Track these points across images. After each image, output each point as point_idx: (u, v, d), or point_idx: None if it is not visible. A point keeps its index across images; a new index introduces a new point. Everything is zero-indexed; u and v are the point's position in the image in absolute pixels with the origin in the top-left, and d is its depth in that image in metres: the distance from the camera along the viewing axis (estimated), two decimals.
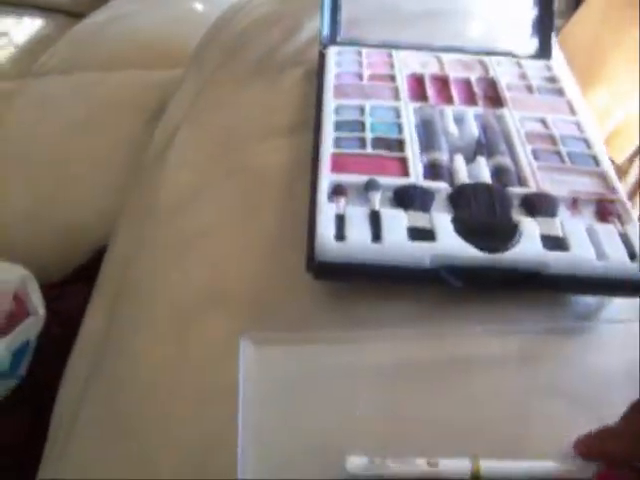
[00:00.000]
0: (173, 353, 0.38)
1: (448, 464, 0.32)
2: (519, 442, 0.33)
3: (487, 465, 0.32)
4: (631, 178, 0.64)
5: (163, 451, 0.34)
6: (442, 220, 0.37)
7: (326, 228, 0.35)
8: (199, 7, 0.98)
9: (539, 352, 0.36)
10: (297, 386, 0.34)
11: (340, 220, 0.36)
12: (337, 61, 0.49)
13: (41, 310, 0.60)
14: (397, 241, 0.35)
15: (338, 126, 0.42)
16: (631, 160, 0.68)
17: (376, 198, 0.37)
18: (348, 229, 0.36)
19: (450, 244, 0.36)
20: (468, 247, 0.35)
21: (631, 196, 0.62)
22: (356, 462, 0.32)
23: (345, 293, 0.36)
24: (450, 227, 0.36)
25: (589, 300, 0.38)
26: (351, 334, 0.35)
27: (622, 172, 0.65)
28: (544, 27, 0.53)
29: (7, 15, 1.18)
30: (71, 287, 0.67)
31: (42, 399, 0.61)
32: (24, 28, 1.18)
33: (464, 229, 0.36)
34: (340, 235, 0.35)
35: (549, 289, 0.37)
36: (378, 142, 0.41)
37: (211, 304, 0.38)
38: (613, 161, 0.44)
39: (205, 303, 0.38)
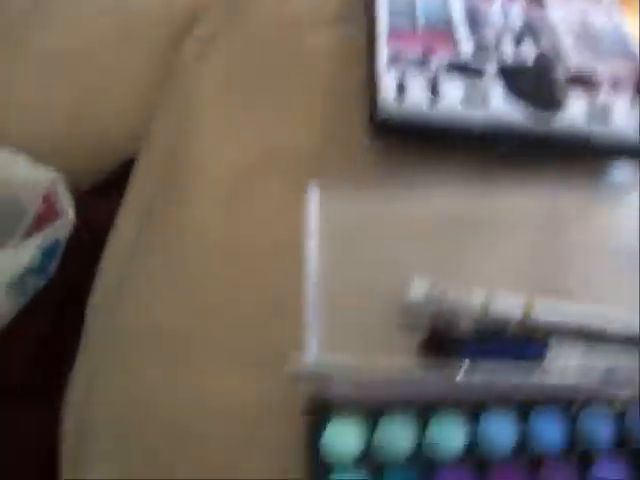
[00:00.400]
0: (225, 222, 0.40)
1: (504, 297, 0.34)
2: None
3: (541, 305, 0.34)
4: None
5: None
6: (494, 90, 0.39)
7: (386, 90, 0.37)
8: None
9: (577, 216, 0.39)
10: (359, 233, 0.36)
11: (399, 84, 0.38)
12: None
13: (70, 212, 0.61)
14: (453, 103, 0.38)
15: (391, 12, 0.44)
16: None
17: (431, 69, 0.39)
18: (407, 92, 0.38)
19: (501, 110, 0.38)
20: (518, 114, 0.38)
21: None
22: (419, 287, 0.34)
23: (401, 155, 0.38)
24: (501, 96, 0.39)
25: (627, 173, 0.40)
26: (406, 189, 0.37)
27: None
28: None
29: None
30: (101, 197, 0.67)
31: (70, 301, 0.62)
32: None
33: (513, 98, 0.39)
34: (400, 97, 0.37)
35: (593, 156, 0.39)
36: (429, 25, 0.43)
37: (267, 167, 0.40)
38: None
39: (261, 166, 0.40)
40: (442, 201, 0.37)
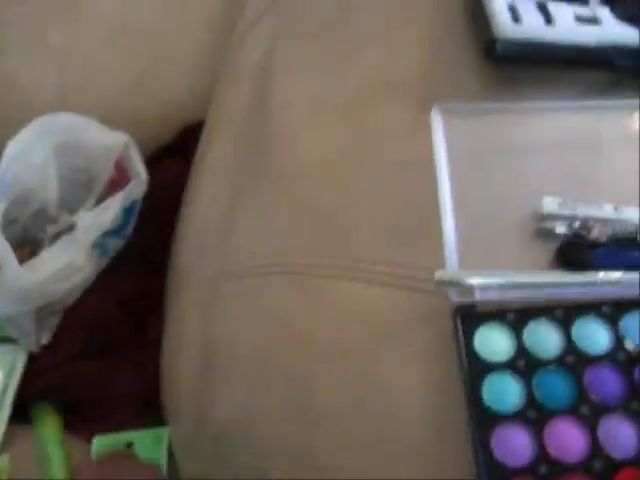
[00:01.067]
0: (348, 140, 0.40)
1: (631, 209, 0.35)
2: None
3: None
4: None
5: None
6: (603, 11, 0.40)
7: (501, 13, 0.38)
8: None
9: None
10: (486, 151, 0.37)
11: (512, 8, 0.39)
12: None
13: (143, 173, 0.61)
14: (567, 24, 0.39)
15: None
16: None
17: None
18: (521, 15, 0.39)
19: (613, 28, 0.39)
20: (630, 30, 0.39)
21: None
22: (550, 201, 0.35)
23: (520, 78, 0.39)
24: (611, 16, 0.40)
25: None
26: (524, 105, 0.38)
27: None
28: None
29: None
30: (164, 161, 0.68)
31: (146, 261, 0.63)
32: None
33: (623, 19, 0.40)
34: (515, 18, 0.38)
35: None
36: None
37: (384, 94, 0.41)
38: None
39: (379, 94, 0.41)
40: (561, 120, 0.38)
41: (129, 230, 0.61)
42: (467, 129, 0.37)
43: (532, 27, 0.38)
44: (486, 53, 0.38)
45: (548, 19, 0.38)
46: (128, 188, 0.59)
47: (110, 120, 0.62)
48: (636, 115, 0.39)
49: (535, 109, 0.38)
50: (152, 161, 0.66)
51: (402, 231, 0.36)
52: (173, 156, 0.69)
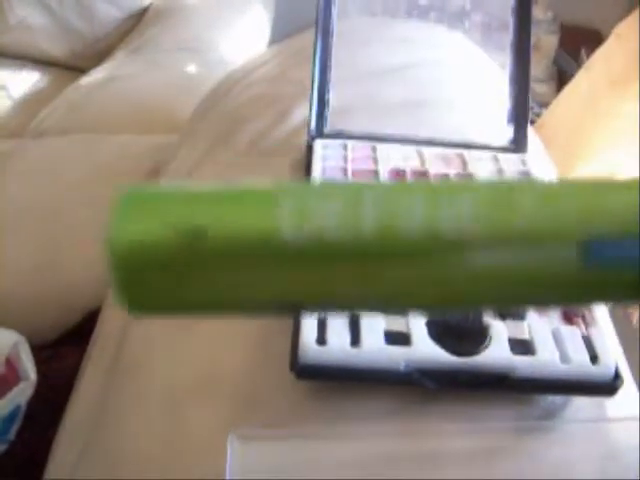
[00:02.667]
0: (167, 435, 0.40)
1: None
2: None
3: None
4: None
5: None
6: (417, 323, 0.39)
7: (308, 332, 0.38)
8: (194, 70, 1.01)
9: (507, 449, 0.39)
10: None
11: (322, 324, 0.39)
12: (323, 155, 0.52)
13: (32, 375, 0.61)
14: (374, 345, 0.38)
15: None
16: None
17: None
18: (329, 333, 0.38)
19: (424, 348, 0.38)
20: (441, 351, 0.38)
21: None
22: None
23: (327, 390, 0.39)
24: (424, 331, 0.39)
25: (554, 399, 0.40)
26: (333, 430, 0.37)
27: None
28: (519, 120, 0.56)
29: (5, 68, 1.21)
30: (64, 348, 0.68)
31: (32, 464, 0.62)
32: (21, 81, 1.21)
33: (437, 332, 0.39)
34: (321, 339, 0.38)
35: (516, 391, 0.39)
36: None
37: (201, 390, 0.41)
38: None
39: (195, 389, 0.41)
40: (366, 443, 0.37)
41: (12, 434, 0.61)
42: (266, 458, 0.36)
43: (336, 350, 0.37)
44: (292, 371, 0.38)
45: (356, 338, 0.38)
46: (12, 393, 0.59)
47: (6, 311, 0.62)
48: (445, 437, 0.38)
49: (341, 434, 0.37)
50: (52, 348, 0.66)
51: None
52: (74, 343, 0.70)
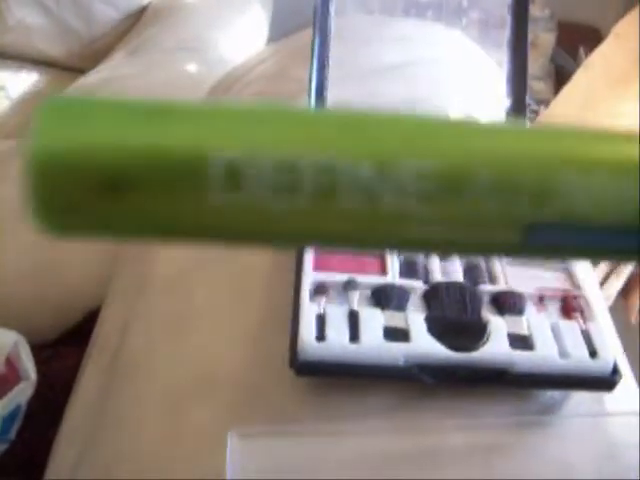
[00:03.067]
0: (166, 434, 0.40)
1: None
2: None
3: None
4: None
5: None
6: (416, 319, 0.39)
7: (307, 328, 0.38)
8: (193, 69, 1.02)
9: (506, 444, 0.39)
10: (283, 477, 0.36)
11: (321, 320, 0.39)
12: None
13: (32, 375, 0.61)
14: (373, 341, 0.38)
15: None
16: None
17: (355, 298, 0.40)
18: (328, 329, 0.38)
19: (423, 344, 0.38)
20: (439, 347, 0.38)
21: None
22: None
23: (326, 387, 0.39)
24: (423, 326, 0.39)
25: (553, 394, 0.40)
26: (332, 427, 0.37)
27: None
28: (516, 118, 0.56)
29: (3, 69, 1.22)
30: (64, 348, 0.69)
31: (32, 464, 0.62)
32: (20, 82, 1.21)
33: (436, 328, 0.39)
34: (320, 335, 0.38)
35: (515, 386, 0.39)
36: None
37: (200, 390, 0.41)
38: None
39: (194, 388, 0.41)
40: (364, 440, 0.37)
41: (12, 434, 0.61)
42: (265, 455, 0.36)
43: (335, 346, 0.38)
44: (291, 368, 0.38)
45: (355, 334, 0.38)
46: (12, 393, 0.60)
47: (6, 310, 0.62)
48: (443, 432, 0.38)
49: (340, 431, 0.37)
50: (51, 348, 0.67)
51: None
52: (74, 343, 0.70)
